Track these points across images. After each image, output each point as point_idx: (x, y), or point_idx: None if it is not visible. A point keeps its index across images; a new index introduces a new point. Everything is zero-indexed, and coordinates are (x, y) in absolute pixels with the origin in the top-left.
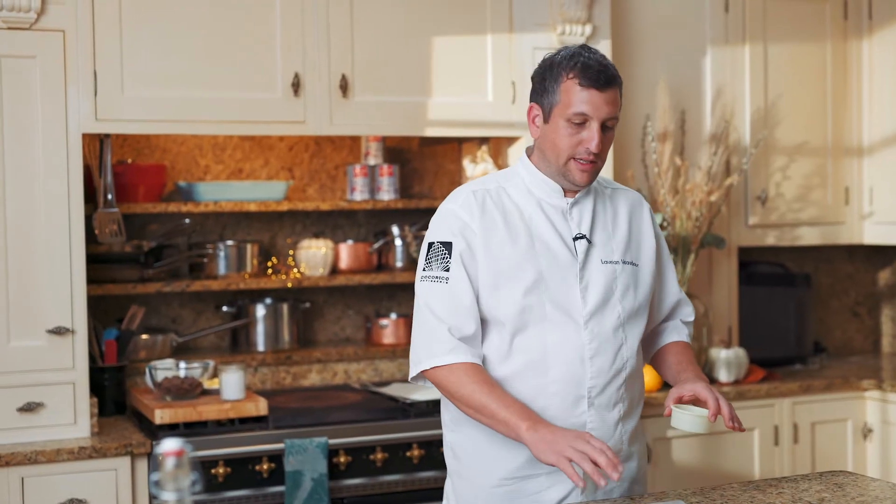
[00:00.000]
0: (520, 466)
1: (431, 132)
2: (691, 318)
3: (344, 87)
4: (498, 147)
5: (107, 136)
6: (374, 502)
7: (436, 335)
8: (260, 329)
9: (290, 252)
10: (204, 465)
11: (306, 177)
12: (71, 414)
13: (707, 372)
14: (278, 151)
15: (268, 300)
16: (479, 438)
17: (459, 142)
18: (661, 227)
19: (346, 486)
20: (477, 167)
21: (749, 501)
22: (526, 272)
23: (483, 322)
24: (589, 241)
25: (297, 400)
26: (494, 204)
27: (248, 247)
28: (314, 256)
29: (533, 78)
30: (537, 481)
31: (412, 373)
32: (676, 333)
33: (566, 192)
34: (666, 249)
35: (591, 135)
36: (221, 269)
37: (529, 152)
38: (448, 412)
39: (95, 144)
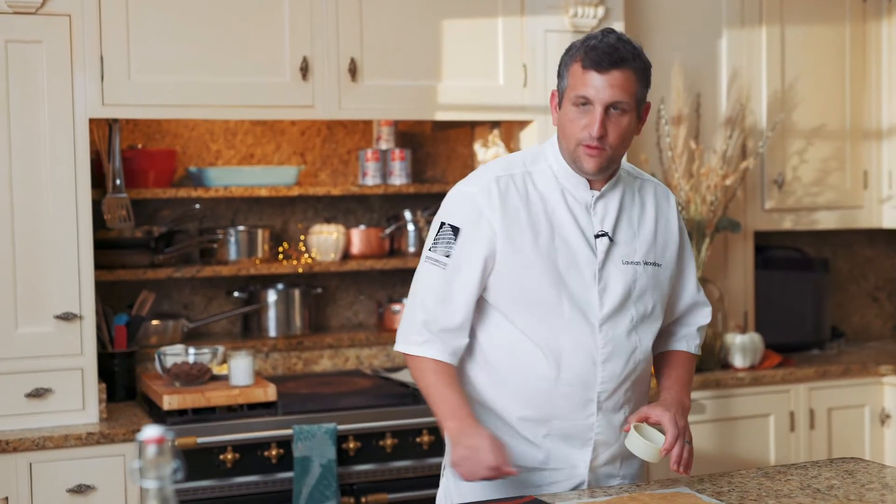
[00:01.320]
0: (533, 459)
1: (441, 116)
2: (706, 322)
3: (353, 70)
4: (510, 131)
5: (115, 121)
6: (384, 488)
7: (413, 324)
8: (271, 315)
9: (302, 237)
10: (212, 451)
11: (318, 161)
12: (79, 400)
13: (722, 357)
14: (290, 136)
15: (279, 286)
16: (496, 427)
17: (472, 126)
18: None
19: (355, 472)
20: (488, 151)
21: (757, 488)
22: (545, 268)
23: (490, 314)
24: (611, 240)
25: (307, 386)
26: (518, 192)
27: (259, 232)
28: (326, 242)
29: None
30: (545, 474)
31: (402, 349)
32: (685, 342)
33: (592, 184)
34: (689, 247)
35: (592, 118)
36: (232, 254)
37: None
38: None
39: (104, 129)
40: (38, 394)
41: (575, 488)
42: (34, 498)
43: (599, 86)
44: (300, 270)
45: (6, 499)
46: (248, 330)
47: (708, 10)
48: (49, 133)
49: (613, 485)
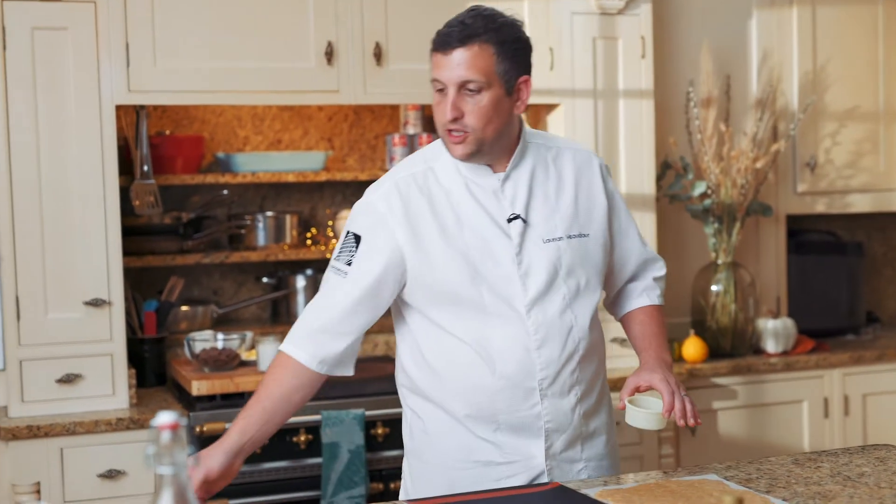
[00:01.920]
0: (487, 453)
1: None
2: (662, 273)
3: (378, 55)
4: (537, 115)
5: (142, 107)
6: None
7: (300, 323)
8: (300, 300)
9: (330, 223)
10: None
11: (346, 147)
12: (109, 385)
13: (754, 342)
14: (317, 122)
15: (308, 271)
16: (447, 424)
17: None
18: (705, 195)
19: (383, 458)
20: None
21: (786, 475)
22: (458, 264)
23: (420, 317)
24: (524, 221)
25: None
26: (420, 191)
27: (287, 218)
28: None
29: None
30: (501, 468)
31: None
32: (646, 296)
33: (495, 166)
34: (622, 208)
35: (445, 101)
36: (261, 240)
37: None
38: (413, 397)
39: (132, 116)
40: (68, 379)
41: (536, 478)
42: (65, 483)
43: (447, 66)
44: (328, 256)
45: (38, 484)
46: (277, 315)
47: None
48: (76, 120)
49: (578, 468)
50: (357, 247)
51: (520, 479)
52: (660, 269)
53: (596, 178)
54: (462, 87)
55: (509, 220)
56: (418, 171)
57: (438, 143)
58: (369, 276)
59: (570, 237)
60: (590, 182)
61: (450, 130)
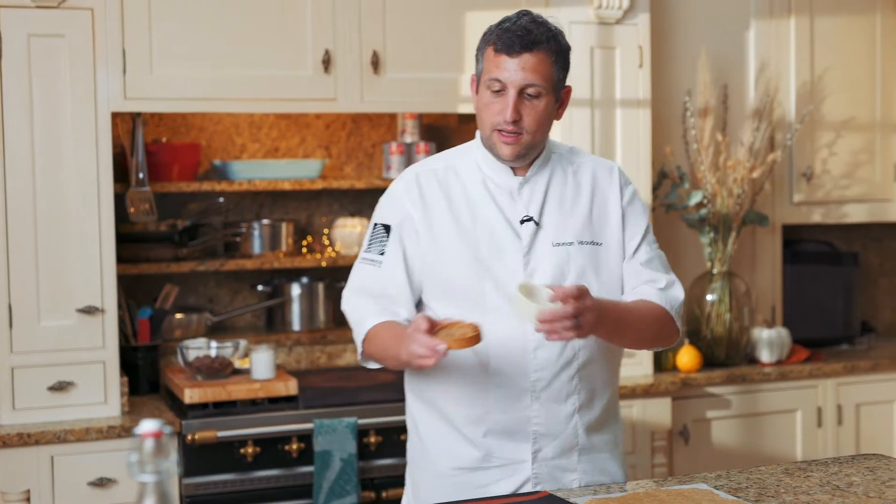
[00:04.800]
0: (472, 458)
1: (465, 109)
2: (677, 304)
3: (375, 63)
4: None
5: (138, 114)
6: (404, 483)
7: (364, 308)
8: (295, 308)
9: (326, 231)
10: (233, 445)
11: (343, 155)
12: (101, 393)
13: (749, 352)
14: (315, 130)
15: (303, 279)
16: (437, 428)
17: None
18: (701, 204)
19: (376, 467)
20: None
21: (776, 485)
22: (465, 257)
23: (423, 307)
24: (536, 224)
25: (329, 380)
26: (439, 185)
27: (283, 226)
28: (349, 235)
29: None
30: (488, 473)
31: (359, 351)
32: (659, 297)
33: (517, 169)
34: (641, 223)
35: (505, 103)
36: (256, 248)
37: None
38: (412, 400)
39: (129, 123)
40: (60, 387)
41: (523, 485)
42: (55, 490)
43: (512, 69)
44: (324, 264)
45: (28, 491)
46: (272, 323)
47: (736, 1)
48: (72, 127)
49: (572, 478)
50: (388, 236)
51: (507, 484)
52: (676, 299)
53: (613, 188)
54: (523, 90)
55: (522, 222)
56: (439, 167)
57: (465, 146)
58: (405, 262)
59: (581, 243)
60: (605, 192)
61: (502, 131)
